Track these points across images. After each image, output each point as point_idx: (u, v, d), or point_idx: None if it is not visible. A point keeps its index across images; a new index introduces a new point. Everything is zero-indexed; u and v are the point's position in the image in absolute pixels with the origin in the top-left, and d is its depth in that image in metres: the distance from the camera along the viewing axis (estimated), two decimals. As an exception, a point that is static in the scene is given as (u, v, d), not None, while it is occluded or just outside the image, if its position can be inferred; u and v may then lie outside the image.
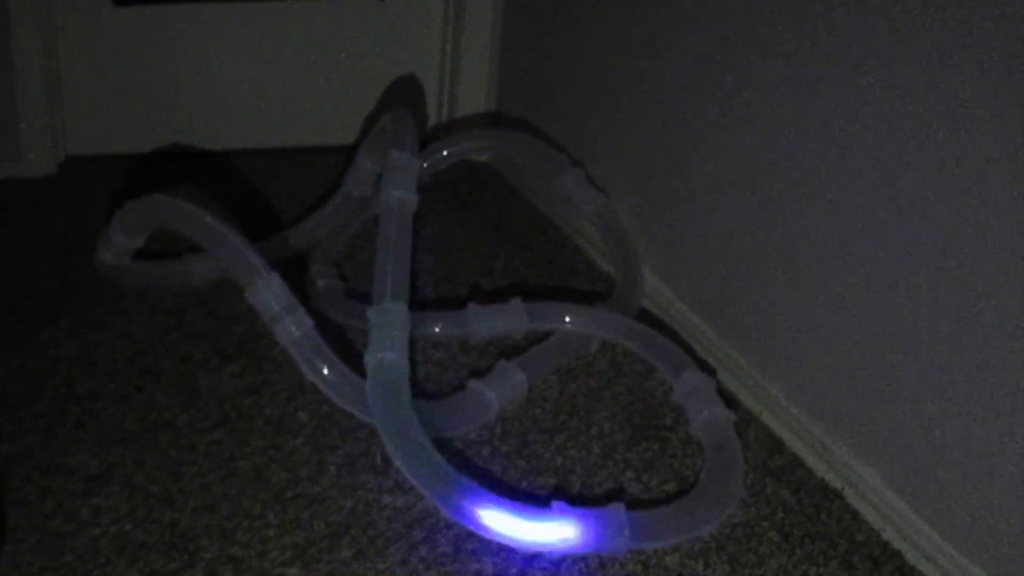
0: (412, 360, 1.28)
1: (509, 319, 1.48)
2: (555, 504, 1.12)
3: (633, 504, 1.20)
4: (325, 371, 1.25)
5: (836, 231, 1.25)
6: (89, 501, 1.16)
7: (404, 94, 2.14)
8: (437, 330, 1.48)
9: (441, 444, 1.25)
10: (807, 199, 1.29)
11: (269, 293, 1.26)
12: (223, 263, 1.29)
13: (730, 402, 1.38)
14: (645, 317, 1.60)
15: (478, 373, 1.43)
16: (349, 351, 1.43)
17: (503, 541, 1.12)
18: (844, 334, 1.25)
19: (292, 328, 1.25)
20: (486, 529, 1.11)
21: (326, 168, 2.05)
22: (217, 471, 1.23)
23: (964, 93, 1.06)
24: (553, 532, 1.11)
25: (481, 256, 1.80)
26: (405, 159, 1.43)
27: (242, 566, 1.09)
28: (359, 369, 1.28)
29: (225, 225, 1.30)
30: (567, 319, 1.48)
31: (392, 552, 1.12)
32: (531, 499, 1.19)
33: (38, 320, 1.50)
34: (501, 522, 1.11)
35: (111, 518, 1.14)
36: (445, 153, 1.69)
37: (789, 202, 1.32)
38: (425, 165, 1.67)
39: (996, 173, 1.03)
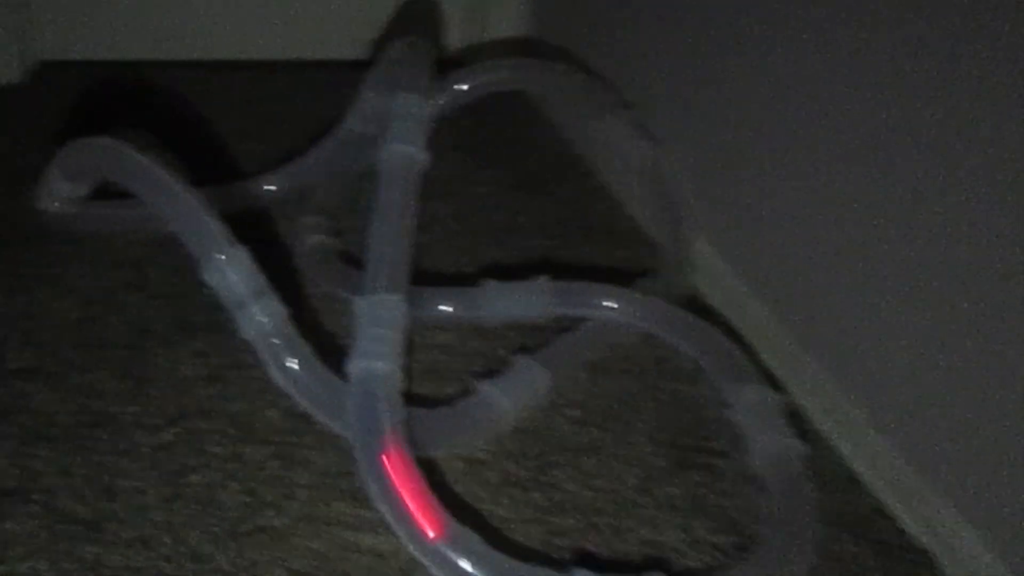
0: (408, 368, 1.03)
1: (532, 302, 1.22)
2: (577, 572, 0.88)
3: (674, 558, 0.97)
4: (299, 373, 1.00)
5: (951, 222, 0.97)
6: (1, 524, 0.93)
7: (425, 10, 1.84)
8: (445, 311, 1.22)
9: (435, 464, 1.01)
10: (919, 169, 1.01)
11: (233, 272, 1.00)
12: (177, 232, 1.03)
13: (799, 420, 1.13)
14: (697, 298, 1.34)
15: (491, 362, 1.18)
16: (336, 342, 1.18)
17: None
18: (950, 353, 0.99)
19: (260, 317, 0.99)
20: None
21: (329, 86, 1.77)
22: (162, 488, 0.99)
23: None
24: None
25: (504, 207, 1.54)
26: (415, 104, 1.15)
27: (176, 631, 0.86)
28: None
29: (181, 180, 1.03)
30: (603, 305, 1.22)
31: (369, 617, 0.89)
32: (546, 559, 0.95)
33: (-24, 269, 1.26)
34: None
35: (23, 551, 0.92)
36: (467, 86, 1.41)
37: (893, 168, 1.04)
38: (443, 100, 1.39)
39: None
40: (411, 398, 1.12)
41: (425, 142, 1.14)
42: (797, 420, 1.15)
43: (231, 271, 1.00)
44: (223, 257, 1.00)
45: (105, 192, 1.34)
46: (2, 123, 1.61)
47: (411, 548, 0.90)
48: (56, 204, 1.29)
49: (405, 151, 1.11)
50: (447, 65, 1.50)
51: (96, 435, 1.05)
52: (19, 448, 1.02)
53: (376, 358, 0.97)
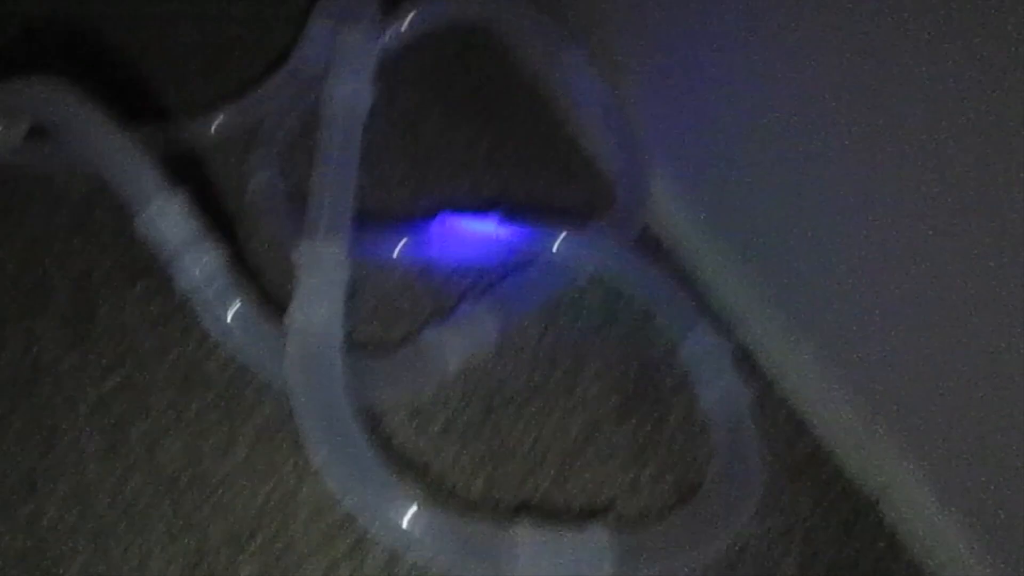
0: (348, 314, 1.01)
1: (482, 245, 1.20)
2: (519, 526, 0.88)
3: (618, 503, 0.97)
4: (233, 325, 0.98)
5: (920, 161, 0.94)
6: (-67, 479, 0.92)
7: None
8: (392, 252, 1.20)
9: (379, 414, 1.00)
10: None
11: (166, 220, 0.97)
12: (109, 178, 0.99)
13: (748, 364, 1.12)
14: (649, 240, 1.32)
15: (440, 302, 1.17)
16: (272, 289, 1.17)
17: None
18: (899, 291, 0.97)
19: (194, 268, 0.97)
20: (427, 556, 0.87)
21: (288, 16, 1.72)
22: (100, 439, 0.98)
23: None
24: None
25: (459, 142, 1.49)
26: (359, 38, 1.11)
27: (111, 587, 0.85)
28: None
29: (113, 124, 1.00)
30: (553, 246, 1.20)
31: (307, 570, 0.89)
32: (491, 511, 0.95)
33: (-85, 213, 1.23)
34: (445, 550, 0.86)
35: (-45, 507, 0.90)
36: (422, 19, 1.37)
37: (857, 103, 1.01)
38: (389, 37, 1.36)
39: None
40: (353, 345, 1.11)
41: (371, 79, 1.10)
42: (746, 364, 1.14)
43: (164, 220, 0.97)
44: (156, 205, 0.97)
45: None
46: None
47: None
48: (-9, 148, 1.25)
49: (348, 90, 1.07)
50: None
51: (36, 385, 1.03)
52: (-47, 401, 1.00)
53: (314, 309, 0.95)
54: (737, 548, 0.95)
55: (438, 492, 0.96)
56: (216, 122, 1.38)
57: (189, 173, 1.33)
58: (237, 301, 0.98)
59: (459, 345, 1.08)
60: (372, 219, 1.27)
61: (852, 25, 0.96)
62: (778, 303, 1.14)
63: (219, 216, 1.27)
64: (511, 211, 1.28)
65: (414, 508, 0.86)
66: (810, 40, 1.04)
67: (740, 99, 1.17)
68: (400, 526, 0.85)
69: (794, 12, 1.06)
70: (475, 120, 1.55)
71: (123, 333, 1.10)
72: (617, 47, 1.44)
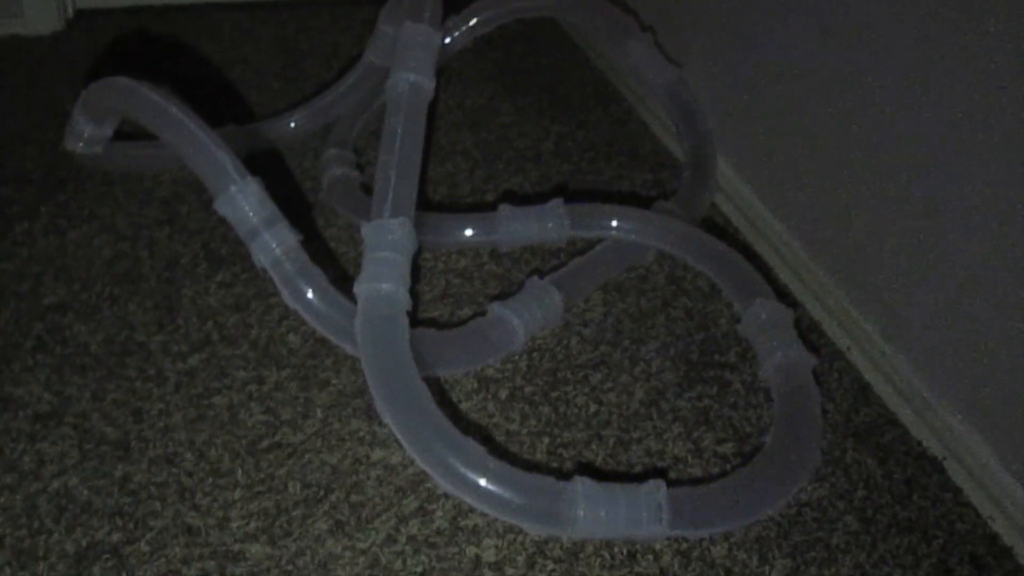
0: (414, 290, 1.05)
1: (547, 224, 1.23)
2: (578, 480, 0.90)
3: (678, 467, 0.99)
4: (310, 296, 1.03)
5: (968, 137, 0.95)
6: (34, 446, 0.99)
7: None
8: (462, 236, 1.24)
9: (449, 383, 1.04)
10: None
11: (245, 202, 1.03)
12: (191, 167, 1.06)
13: (812, 335, 1.13)
14: (716, 218, 1.34)
15: (508, 285, 1.21)
16: (348, 269, 1.22)
17: (508, 521, 0.91)
18: (959, 268, 0.98)
19: (272, 244, 1.02)
20: (489, 507, 0.90)
21: (363, 22, 1.80)
22: (186, 410, 1.04)
23: None
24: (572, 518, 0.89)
25: (529, 134, 1.54)
26: (421, 33, 1.16)
27: (196, 540, 0.91)
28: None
29: (194, 117, 1.06)
30: (616, 225, 1.23)
31: (377, 526, 0.93)
32: (549, 470, 0.98)
33: (17, 210, 1.32)
34: (507, 501, 0.89)
35: (56, 469, 0.97)
36: (487, 16, 1.42)
37: (911, 85, 1.02)
38: (464, 29, 1.42)
39: None
40: (425, 321, 1.15)
41: (432, 70, 1.14)
42: (813, 334, 1.15)
43: (242, 202, 1.02)
44: (234, 188, 1.03)
45: (132, 133, 1.38)
46: (43, 71, 1.66)
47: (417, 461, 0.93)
48: (81, 145, 1.33)
49: (411, 79, 1.12)
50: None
51: (126, 363, 1.09)
52: (53, 376, 1.07)
53: (380, 280, 0.99)
54: (797, 506, 0.95)
55: (504, 454, 0.99)
56: (294, 120, 1.45)
57: (270, 168, 1.41)
58: (313, 274, 1.02)
59: (526, 319, 1.11)
60: (442, 208, 1.32)
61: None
62: (843, 278, 1.15)
63: (298, 206, 1.34)
64: (575, 196, 1.32)
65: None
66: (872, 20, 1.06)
67: (806, 81, 1.19)
68: (467, 479, 0.88)
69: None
70: (545, 112, 1.60)
71: (207, 315, 1.16)
72: (684, 32, 1.46)
